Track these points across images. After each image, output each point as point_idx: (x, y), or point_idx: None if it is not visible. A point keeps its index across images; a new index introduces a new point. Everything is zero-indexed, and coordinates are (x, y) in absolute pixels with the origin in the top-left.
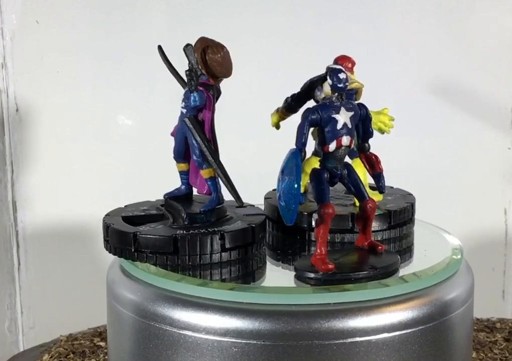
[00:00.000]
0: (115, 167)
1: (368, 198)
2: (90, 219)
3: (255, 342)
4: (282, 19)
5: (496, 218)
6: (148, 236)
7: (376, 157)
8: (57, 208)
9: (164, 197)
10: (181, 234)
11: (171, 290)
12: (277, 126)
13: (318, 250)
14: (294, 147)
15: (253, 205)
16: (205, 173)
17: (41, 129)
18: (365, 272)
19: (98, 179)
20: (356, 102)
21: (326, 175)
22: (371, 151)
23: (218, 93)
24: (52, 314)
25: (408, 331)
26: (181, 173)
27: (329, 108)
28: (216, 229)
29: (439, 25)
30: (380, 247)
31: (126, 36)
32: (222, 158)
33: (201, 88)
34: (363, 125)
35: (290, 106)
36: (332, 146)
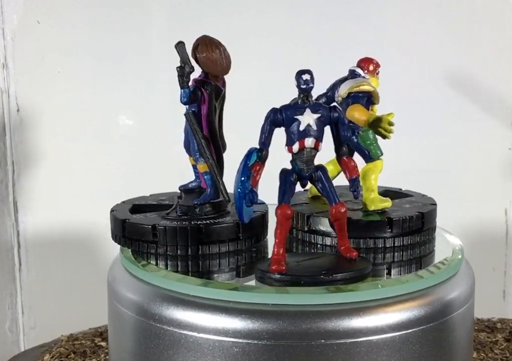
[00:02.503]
0: (115, 167)
1: (336, 203)
2: (91, 219)
3: (256, 342)
4: (282, 19)
5: (496, 219)
6: (133, 224)
7: (353, 161)
8: (58, 208)
9: (179, 189)
10: (162, 224)
11: (173, 289)
12: None
13: (275, 251)
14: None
15: (263, 203)
16: (201, 167)
17: (42, 129)
18: (316, 276)
19: (99, 179)
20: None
21: (292, 177)
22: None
23: (217, 91)
24: (53, 314)
25: (409, 331)
26: (194, 166)
27: (293, 108)
28: (199, 222)
29: (440, 25)
30: (354, 253)
31: (126, 36)
32: None
33: (195, 84)
34: (336, 128)
35: None
36: (295, 147)
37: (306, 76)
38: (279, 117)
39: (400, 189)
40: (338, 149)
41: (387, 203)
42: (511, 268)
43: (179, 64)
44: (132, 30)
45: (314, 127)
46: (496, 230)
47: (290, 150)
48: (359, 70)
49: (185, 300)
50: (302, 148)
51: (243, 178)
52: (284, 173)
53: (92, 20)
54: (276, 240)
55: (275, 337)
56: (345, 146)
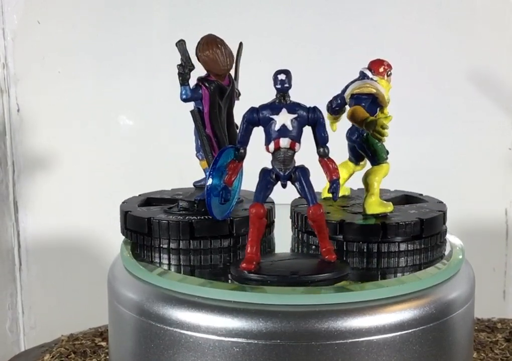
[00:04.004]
0: (115, 167)
1: (312, 204)
2: (91, 219)
3: (256, 341)
4: (282, 19)
5: (497, 219)
6: (133, 216)
7: (334, 163)
8: (59, 209)
9: (193, 184)
10: (156, 218)
11: (173, 289)
12: (333, 129)
13: (247, 249)
14: None
15: (272, 202)
16: (203, 164)
17: (43, 129)
18: (284, 277)
19: (99, 179)
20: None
21: (270, 176)
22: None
23: (220, 89)
24: (54, 314)
25: (410, 331)
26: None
27: (269, 108)
28: (192, 218)
29: (440, 25)
30: (333, 256)
31: (127, 36)
32: None
33: (197, 82)
34: (314, 129)
35: (332, 109)
36: (271, 147)
37: (281, 77)
38: (255, 116)
39: (421, 195)
40: (317, 150)
41: (387, 207)
42: (511, 269)
43: (180, 62)
44: (133, 30)
45: (290, 127)
46: (496, 230)
47: (267, 150)
48: (367, 72)
49: (186, 299)
50: (277, 148)
51: (211, 175)
52: (263, 172)
53: (92, 20)
54: (249, 238)
55: (275, 337)
56: (326, 147)
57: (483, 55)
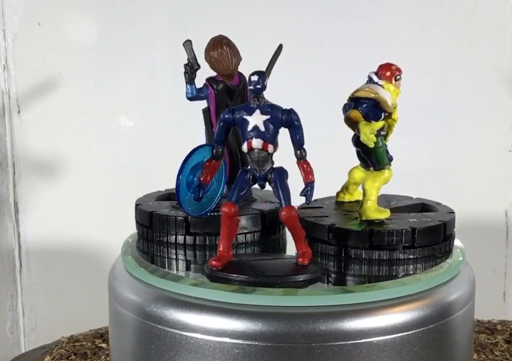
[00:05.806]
0: (116, 168)
1: (283, 206)
2: (92, 220)
3: (256, 343)
4: (282, 19)
5: (497, 220)
6: (140, 209)
7: (309, 166)
8: (59, 210)
9: None
10: (158, 212)
11: (173, 291)
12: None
13: (220, 247)
14: None
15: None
16: None
17: (43, 131)
18: (246, 276)
19: (99, 180)
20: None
21: (246, 176)
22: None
23: (228, 89)
24: (54, 315)
25: (410, 332)
26: None
27: (243, 109)
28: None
29: (441, 25)
30: (306, 260)
31: (127, 37)
32: None
33: (205, 82)
34: (289, 131)
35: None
36: (244, 147)
37: (254, 78)
38: (229, 117)
39: (439, 203)
40: (294, 152)
41: (382, 214)
42: (511, 270)
43: (186, 62)
44: (133, 31)
45: (262, 128)
46: (496, 231)
47: (242, 150)
48: (373, 76)
49: (186, 301)
50: (251, 148)
51: (181, 172)
52: (240, 172)
53: (93, 21)
54: (220, 236)
55: (276, 338)
56: (303, 150)
57: (484, 56)
